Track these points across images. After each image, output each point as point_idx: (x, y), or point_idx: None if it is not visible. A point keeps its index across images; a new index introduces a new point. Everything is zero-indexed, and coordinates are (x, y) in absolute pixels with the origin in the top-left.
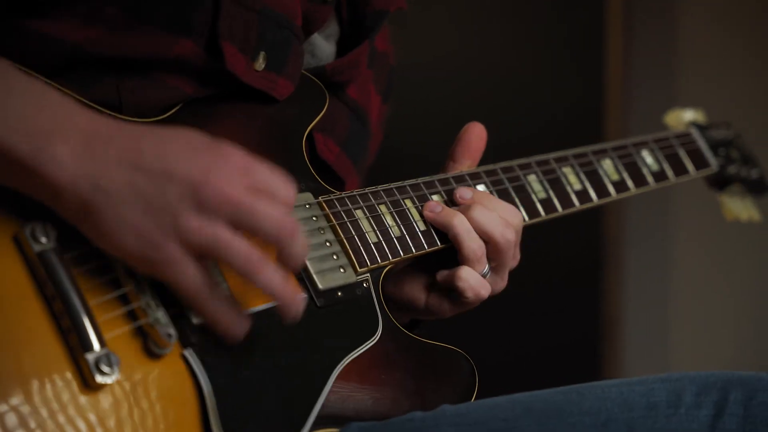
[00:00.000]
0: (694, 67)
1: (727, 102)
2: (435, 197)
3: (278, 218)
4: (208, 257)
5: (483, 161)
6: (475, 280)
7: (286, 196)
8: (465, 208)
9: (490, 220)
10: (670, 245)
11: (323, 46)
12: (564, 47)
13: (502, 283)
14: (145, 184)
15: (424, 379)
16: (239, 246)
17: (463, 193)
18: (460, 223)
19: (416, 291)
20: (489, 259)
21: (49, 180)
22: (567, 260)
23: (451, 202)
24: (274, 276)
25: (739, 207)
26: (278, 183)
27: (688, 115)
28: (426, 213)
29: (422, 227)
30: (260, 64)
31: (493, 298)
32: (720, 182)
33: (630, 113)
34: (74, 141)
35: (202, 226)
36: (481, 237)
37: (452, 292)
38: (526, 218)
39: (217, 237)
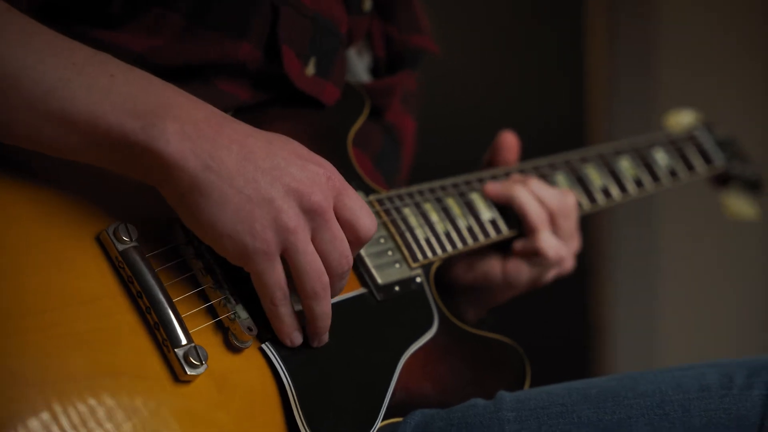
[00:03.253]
0: (674, 71)
1: (709, 106)
2: (474, 195)
3: (347, 252)
4: (287, 261)
5: (459, 168)
6: (555, 241)
7: (367, 231)
8: (522, 181)
9: (547, 190)
10: (655, 249)
11: (356, 63)
12: (545, 54)
13: (570, 260)
14: (254, 175)
15: (480, 369)
16: (318, 262)
17: (517, 174)
18: (521, 192)
19: (491, 263)
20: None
21: (159, 155)
22: None
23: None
24: (329, 306)
25: (741, 205)
26: (364, 216)
27: (688, 116)
28: (487, 189)
29: (465, 223)
30: (310, 69)
31: None
32: (723, 181)
33: (612, 118)
34: (183, 120)
35: (299, 228)
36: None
37: (532, 257)
38: None
39: (306, 245)
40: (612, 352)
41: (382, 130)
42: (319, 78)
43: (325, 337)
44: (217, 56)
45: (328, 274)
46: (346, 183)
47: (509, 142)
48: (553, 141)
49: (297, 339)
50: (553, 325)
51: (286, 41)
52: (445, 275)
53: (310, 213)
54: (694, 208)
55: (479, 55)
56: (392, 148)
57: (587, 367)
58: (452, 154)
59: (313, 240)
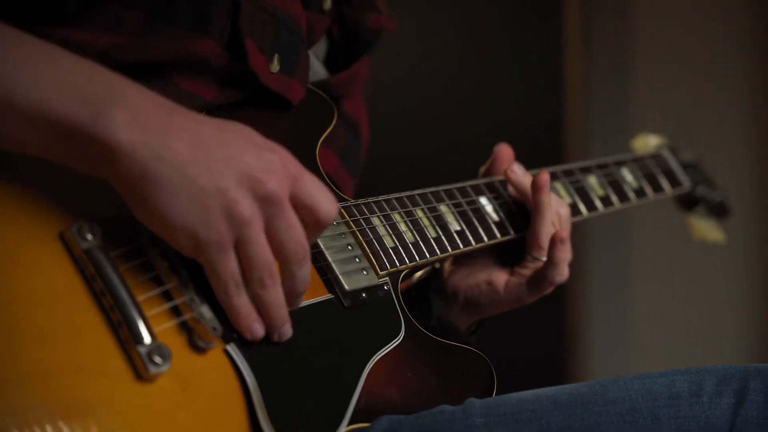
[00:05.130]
0: (649, 85)
1: (681, 121)
2: (443, 206)
3: (303, 240)
4: (238, 250)
5: (430, 182)
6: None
7: (327, 214)
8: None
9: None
10: (629, 261)
11: (313, 60)
12: (522, 66)
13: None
14: (207, 164)
15: (447, 377)
16: (268, 252)
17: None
18: (550, 200)
19: (494, 270)
20: None
21: (108, 144)
22: None
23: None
24: (280, 294)
25: (707, 229)
26: (323, 200)
27: (654, 139)
28: (509, 174)
29: (433, 234)
30: (275, 66)
31: None
32: (688, 203)
33: (588, 132)
34: (133, 109)
35: (253, 218)
36: None
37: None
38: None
39: (259, 236)
40: (587, 363)
41: (345, 126)
42: (284, 75)
43: (287, 330)
44: (178, 52)
45: (286, 262)
46: (302, 168)
47: (505, 153)
48: (530, 150)
49: (257, 331)
50: (530, 337)
51: (248, 35)
52: (443, 282)
53: (266, 201)
54: (668, 222)
55: (456, 63)
56: (355, 143)
57: (563, 378)
58: (426, 163)
59: (268, 229)
